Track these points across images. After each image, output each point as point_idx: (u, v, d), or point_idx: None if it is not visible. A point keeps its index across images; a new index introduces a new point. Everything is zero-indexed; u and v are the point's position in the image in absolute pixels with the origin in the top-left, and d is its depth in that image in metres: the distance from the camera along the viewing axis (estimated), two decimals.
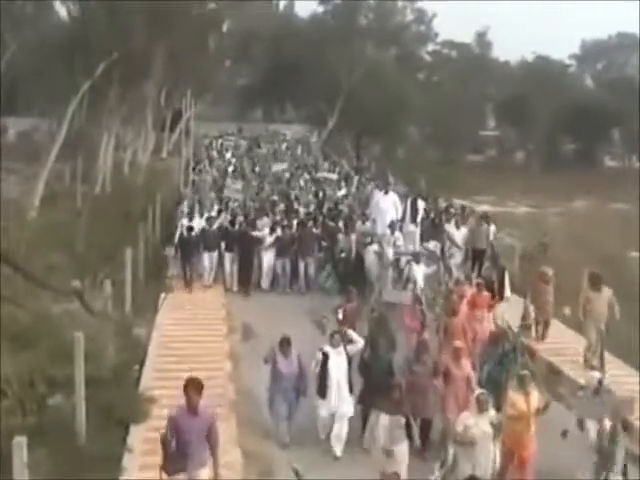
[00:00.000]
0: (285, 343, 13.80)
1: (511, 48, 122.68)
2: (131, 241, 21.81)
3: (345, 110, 68.47)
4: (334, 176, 40.67)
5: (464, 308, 17.36)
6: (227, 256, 24.05)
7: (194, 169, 41.21)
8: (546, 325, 19.77)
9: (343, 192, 34.92)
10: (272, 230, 24.41)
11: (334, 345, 13.64)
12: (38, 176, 31.43)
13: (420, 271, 20.86)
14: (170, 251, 24.87)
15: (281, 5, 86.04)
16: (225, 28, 60.74)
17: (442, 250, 23.81)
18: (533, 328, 19.68)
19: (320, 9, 79.38)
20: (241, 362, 17.36)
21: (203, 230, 24.03)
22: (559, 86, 77.62)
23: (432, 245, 23.75)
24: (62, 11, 39.67)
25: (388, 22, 79.69)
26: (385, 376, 13.46)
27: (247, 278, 24.07)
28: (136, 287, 20.13)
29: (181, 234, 23.98)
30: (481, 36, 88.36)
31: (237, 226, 24.79)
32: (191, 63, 48.92)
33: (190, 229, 23.70)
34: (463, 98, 76.21)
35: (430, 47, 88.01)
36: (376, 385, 13.20)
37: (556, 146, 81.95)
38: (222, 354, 17.67)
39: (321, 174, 41.21)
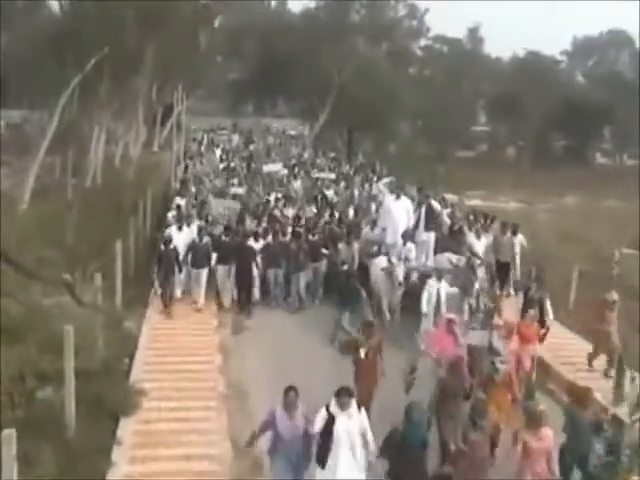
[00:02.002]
0: (291, 396, 10.49)
1: (503, 44, 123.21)
2: (122, 234, 21.74)
3: (336, 105, 68.38)
4: (332, 175, 38.00)
5: (514, 344, 14.86)
6: (220, 269, 21.14)
7: (186, 168, 40.39)
8: (610, 361, 16.61)
9: (346, 194, 31.65)
10: (257, 236, 21.85)
11: (343, 406, 10.51)
12: (29, 169, 31.35)
13: (443, 291, 18.11)
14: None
15: (273, 1, 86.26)
16: (217, 23, 60.68)
17: (470, 264, 19.88)
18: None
19: (312, 4, 79.40)
20: (231, 355, 17.36)
21: (193, 243, 20.97)
22: (550, 82, 77.71)
23: (455, 258, 20.32)
24: (54, 5, 39.65)
25: (380, 17, 79.65)
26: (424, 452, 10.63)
27: (247, 296, 21.13)
28: (126, 280, 20.09)
29: (160, 248, 20.66)
30: (473, 32, 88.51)
31: (230, 235, 21.74)
32: (182, 58, 48.81)
33: (167, 242, 20.50)
34: (454, 94, 76.39)
35: (422, 42, 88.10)
36: (413, 465, 10.47)
37: (547, 142, 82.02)
38: (212, 347, 17.66)
39: (319, 174, 38.47)
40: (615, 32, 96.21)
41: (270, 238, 22.01)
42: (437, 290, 17.99)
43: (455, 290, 18.62)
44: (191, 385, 15.08)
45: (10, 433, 9.23)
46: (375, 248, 21.58)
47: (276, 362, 15.79)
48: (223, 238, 21.63)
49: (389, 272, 19.31)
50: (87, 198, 31.77)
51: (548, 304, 17.53)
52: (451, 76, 79.50)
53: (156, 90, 53.93)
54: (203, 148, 51.78)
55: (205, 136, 59.98)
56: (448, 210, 26.13)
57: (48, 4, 41.29)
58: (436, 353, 14.37)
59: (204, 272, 20.81)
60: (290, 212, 26.39)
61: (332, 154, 53.21)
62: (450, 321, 14.86)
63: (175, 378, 15.33)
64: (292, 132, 71.86)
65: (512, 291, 21.84)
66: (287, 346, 17.21)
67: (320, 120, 70.76)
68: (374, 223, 23.03)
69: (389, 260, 19.66)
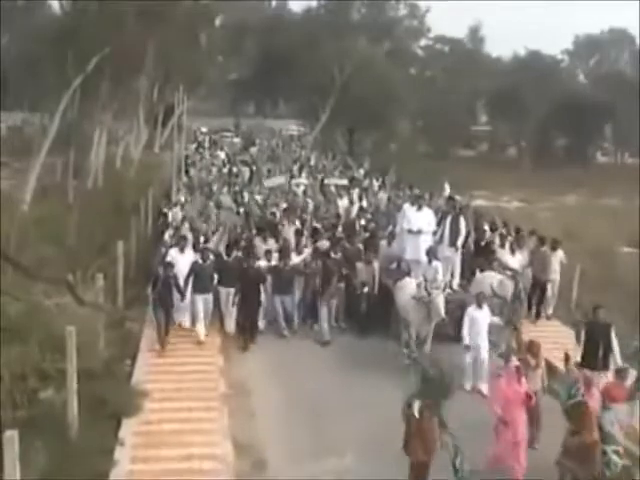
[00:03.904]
0: None
1: (503, 43, 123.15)
2: (123, 235, 21.76)
3: (337, 105, 68.38)
4: (345, 181, 34.91)
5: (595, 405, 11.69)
6: (223, 293, 18.64)
7: (187, 172, 39.61)
8: None
9: (362, 204, 28.23)
10: (268, 256, 19.23)
11: None
12: (30, 170, 31.37)
13: (485, 321, 15.73)
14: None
15: (273, 0, 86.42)
16: (218, 22, 60.74)
17: (517, 290, 17.16)
18: None
19: (313, 3, 79.64)
20: (232, 356, 17.36)
21: (195, 265, 18.21)
22: (551, 81, 77.61)
23: (497, 281, 17.28)
24: (54, 5, 39.70)
25: (381, 17, 79.82)
26: None
27: (252, 324, 18.42)
28: (128, 281, 20.09)
29: (158, 274, 17.67)
30: (473, 31, 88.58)
31: (234, 254, 19.14)
32: (183, 57, 48.84)
33: (167, 266, 17.74)
34: (455, 93, 76.44)
35: (423, 42, 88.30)
36: None
37: (548, 141, 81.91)
38: (214, 348, 17.65)
39: (331, 180, 35.42)
40: (616, 31, 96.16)
41: (280, 258, 19.24)
42: (481, 320, 15.72)
43: (498, 321, 16.12)
44: (193, 386, 15.10)
45: (12, 434, 9.25)
46: (394, 265, 19.45)
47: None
48: (225, 258, 19.03)
49: (424, 302, 16.46)
50: (88, 199, 31.79)
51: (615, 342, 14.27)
52: (452, 76, 79.54)
53: (157, 91, 53.97)
54: (206, 152, 51.34)
55: (207, 139, 59.71)
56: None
57: (48, 4, 41.34)
58: (502, 410, 12.17)
59: (209, 298, 18.37)
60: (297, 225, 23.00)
61: (339, 156, 52.02)
62: (518, 369, 12.33)
63: (177, 379, 15.36)
64: (294, 132, 71.84)
65: (550, 311, 20.59)
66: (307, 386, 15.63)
67: (322, 120, 70.78)
68: (391, 237, 20.54)
69: (425, 288, 16.55)
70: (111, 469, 11.79)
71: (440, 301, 16.26)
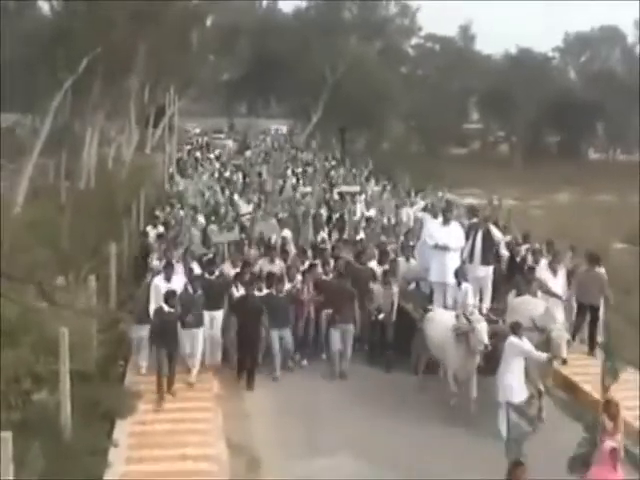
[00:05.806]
0: None
1: (494, 41, 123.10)
2: (115, 236, 21.74)
3: (329, 104, 68.52)
4: (357, 188, 31.79)
5: None
6: (206, 316, 15.86)
7: (181, 174, 38.54)
8: None
9: (370, 213, 25.32)
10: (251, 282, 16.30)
11: None
12: (22, 172, 31.28)
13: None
14: (139, 330, 15.74)
15: (264, 1, 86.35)
16: (209, 22, 60.68)
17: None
18: None
19: (304, 4, 79.65)
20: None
21: (185, 295, 15.38)
22: (542, 79, 77.82)
23: (542, 307, 14.44)
24: (45, 6, 39.62)
25: (372, 16, 79.90)
26: None
27: (251, 361, 15.91)
28: (121, 282, 20.04)
29: (159, 307, 14.86)
30: (464, 29, 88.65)
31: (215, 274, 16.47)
32: (174, 58, 48.75)
33: (170, 296, 14.70)
34: (447, 91, 76.61)
35: (414, 41, 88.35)
36: None
37: (540, 138, 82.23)
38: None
39: (341, 188, 32.20)
40: (607, 28, 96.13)
41: (269, 286, 16.46)
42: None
43: (543, 356, 13.29)
44: (186, 386, 15.09)
45: (6, 436, 9.24)
46: (412, 286, 17.47)
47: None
48: (207, 276, 16.40)
49: (464, 331, 13.72)
50: (80, 200, 31.72)
51: None
52: (443, 74, 79.73)
53: (148, 91, 53.86)
54: (197, 153, 50.86)
55: (199, 140, 59.27)
56: (508, 237, 20.32)
57: (38, 5, 41.24)
58: None
59: (199, 333, 15.50)
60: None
61: (338, 156, 51.04)
62: (614, 451, 9.83)
63: None
64: (283, 132, 71.79)
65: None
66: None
67: (313, 119, 70.84)
68: (403, 252, 18.56)
69: (465, 316, 13.90)
70: (105, 470, 11.77)
71: (483, 328, 13.45)
